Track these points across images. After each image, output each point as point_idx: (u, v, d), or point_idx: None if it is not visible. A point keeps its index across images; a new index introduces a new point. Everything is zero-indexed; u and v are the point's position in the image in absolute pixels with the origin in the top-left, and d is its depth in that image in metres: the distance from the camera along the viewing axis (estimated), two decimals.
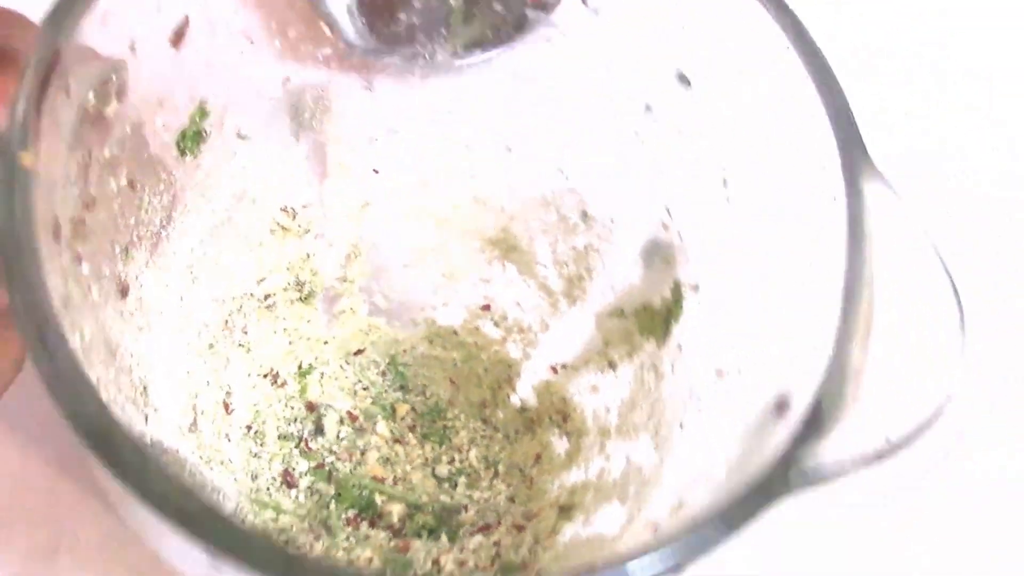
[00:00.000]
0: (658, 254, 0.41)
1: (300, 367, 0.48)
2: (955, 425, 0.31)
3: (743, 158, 0.36)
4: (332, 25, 0.41)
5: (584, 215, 0.43)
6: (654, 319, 0.41)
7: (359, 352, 0.49)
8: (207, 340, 0.44)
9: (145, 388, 0.39)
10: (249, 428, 0.46)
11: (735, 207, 0.37)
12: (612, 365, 0.44)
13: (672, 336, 0.40)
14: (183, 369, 0.43)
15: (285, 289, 0.46)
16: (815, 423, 0.30)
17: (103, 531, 0.46)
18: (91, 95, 0.34)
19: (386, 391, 0.49)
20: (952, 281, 0.31)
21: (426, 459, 0.47)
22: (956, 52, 0.62)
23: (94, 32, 0.32)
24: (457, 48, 0.42)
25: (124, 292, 0.38)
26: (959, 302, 0.31)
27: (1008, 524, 0.51)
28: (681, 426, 0.39)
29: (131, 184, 0.37)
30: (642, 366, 0.42)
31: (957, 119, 0.60)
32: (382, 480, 0.46)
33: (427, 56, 0.42)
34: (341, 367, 0.49)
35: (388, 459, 0.47)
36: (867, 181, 0.32)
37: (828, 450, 0.29)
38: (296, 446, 0.46)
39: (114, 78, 0.35)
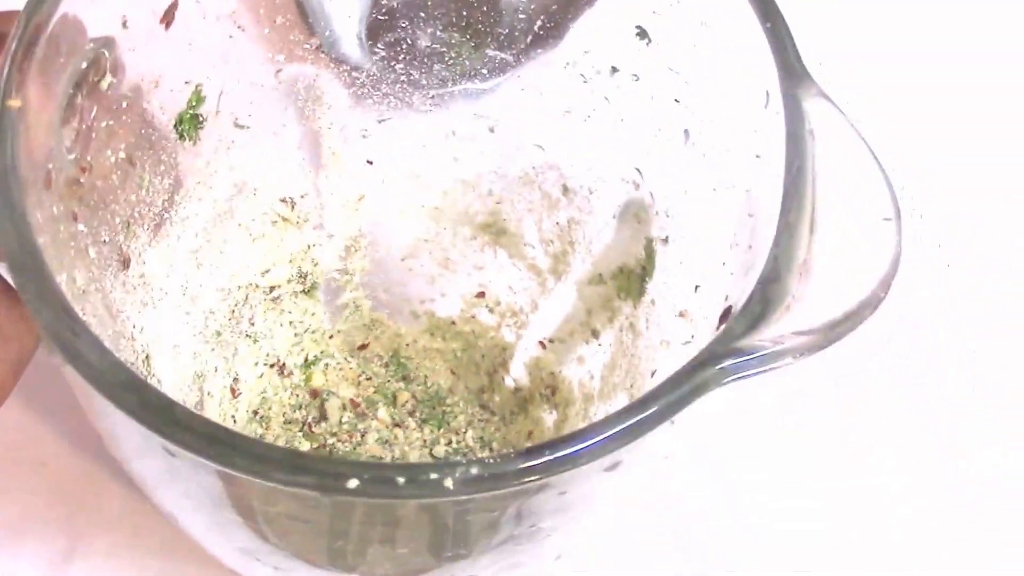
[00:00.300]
0: (632, 215, 0.42)
1: (306, 359, 0.50)
2: (894, 313, 0.31)
3: (700, 103, 0.38)
4: (337, 53, 0.44)
5: (564, 189, 0.45)
6: (630, 279, 0.43)
7: (363, 347, 0.51)
8: (214, 327, 0.46)
9: (148, 356, 0.41)
10: (256, 413, 0.48)
11: (696, 153, 0.38)
12: (595, 334, 0.45)
13: (647, 293, 0.42)
14: (189, 350, 0.45)
15: (289, 281, 0.49)
16: (757, 314, 0.31)
17: (117, 538, 0.48)
18: (84, 64, 0.37)
19: (389, 381, 0.51)
20: (886, 175, 0.32)
21: (424, 441, 0.49)
22: (954, 54, 0.62)
23: (82, 3, 0.35)
24: (457, 77, 0.45)
25: (126, 264, 0.40)
26: (893, 195, 0.31)
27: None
28: (653, 374, 0.40)
29: (130, 160, 0.40)
30: (621, 328, 0.44)
31: (955, 119, 0.60)
32: (380, 458, 0.47)
33: (427, 84, 0.45)
34: (346, 359, 0.51)
35: (387, 440, 0.48)
36: (806, 95, 0.33)
37: (770, 336, 0.30)
38: (300, 430, 0.48)
39: (107, 53, 0.38)
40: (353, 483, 0.28)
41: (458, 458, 0.46)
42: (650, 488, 0.48)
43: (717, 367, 0.30)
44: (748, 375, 0.30)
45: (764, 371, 0.30)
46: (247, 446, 0.28)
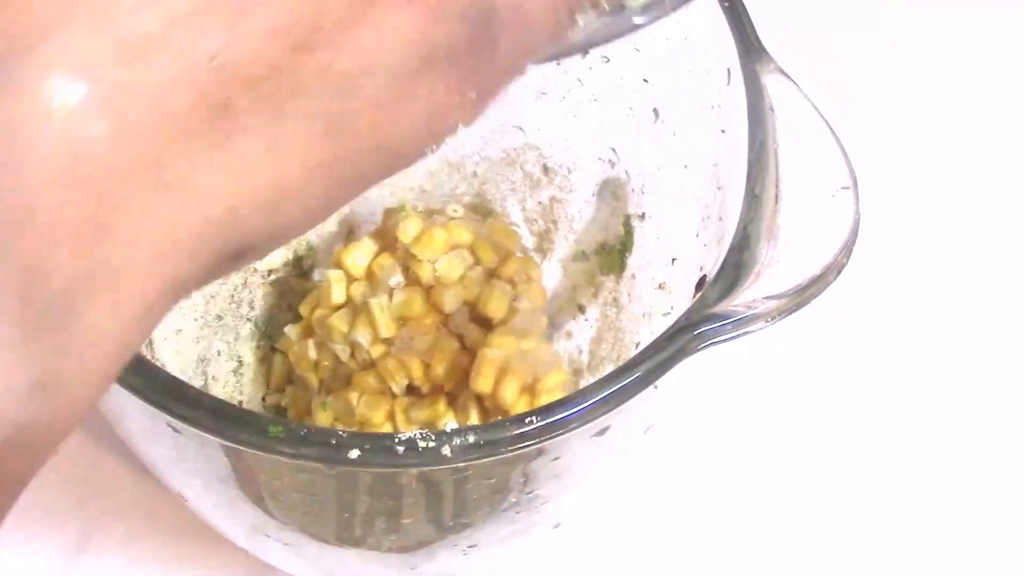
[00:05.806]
0: (610, 192, 0.44)
1: None
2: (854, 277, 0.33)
3: (667, 82, 0.40)
4: None
5: (545, 168, 0.47)
6: (612, 255, 0.45)
7: None
8: (215, 311, 0.48)
9: (150, 341, 0.42)
10: (263, 399, 0.49)
11: (666, 131, 0.40)
12: (581, 309, 0.47)
13: (628, 268, 0.44)
14: (192, 335, 0.46)
15: (285, 264, 0.50)
16: (729, 281, 0.32)
17: (130, 526, 0.49)
18: None
19: None
20: (842, 146, 0.33)
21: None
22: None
23: None
24: None
25: None
26: (850, 165, 0.33)
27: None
28: (637, 346, 0.42)
29: None
30: (605, 303, 0.46)
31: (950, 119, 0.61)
32: None
33: None
34: None
35: None
36: (764, 71, 0.35)
37: (743, 302, 0.32)
38: None
39: None
40: (355, 453, 0.29)
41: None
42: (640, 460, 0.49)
43: (694, 332, 0.31)
44: (723, 339, 0.32)
45: (738, 335, 0.32)
46: (252, 420, 0.30)
